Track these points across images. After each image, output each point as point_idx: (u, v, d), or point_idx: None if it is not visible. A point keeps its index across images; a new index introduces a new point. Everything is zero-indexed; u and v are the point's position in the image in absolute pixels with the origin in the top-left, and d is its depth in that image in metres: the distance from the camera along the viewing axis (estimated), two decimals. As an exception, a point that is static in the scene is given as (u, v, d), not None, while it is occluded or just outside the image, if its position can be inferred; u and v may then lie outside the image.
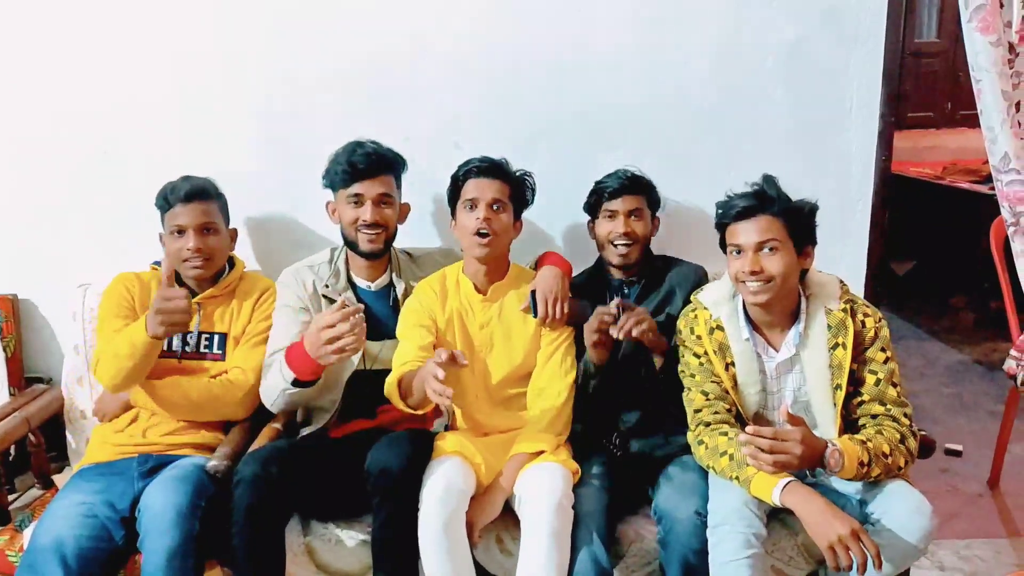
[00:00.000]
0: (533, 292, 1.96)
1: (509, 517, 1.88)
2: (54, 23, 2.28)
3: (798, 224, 1.76)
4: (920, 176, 4.78)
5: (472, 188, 1.96)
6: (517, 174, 2.02)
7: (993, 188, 2.41)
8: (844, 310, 1.78)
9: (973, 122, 2.32)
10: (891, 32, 2.30)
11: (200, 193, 2.03)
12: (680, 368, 1.92)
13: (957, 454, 3.01)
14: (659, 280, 2.09)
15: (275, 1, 2.28)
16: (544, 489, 1.80)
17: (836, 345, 1.77)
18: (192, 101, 2.33)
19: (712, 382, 1.85)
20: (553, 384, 1.97)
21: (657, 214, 2.15)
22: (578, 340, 2.00)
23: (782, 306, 1.80)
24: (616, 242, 2.04)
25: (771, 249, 1.73)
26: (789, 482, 1.63)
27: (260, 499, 1.75)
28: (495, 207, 1.94)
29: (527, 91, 2.34)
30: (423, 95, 2.33)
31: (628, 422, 2.02)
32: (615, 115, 2.35)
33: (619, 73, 2.32)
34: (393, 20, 2.29)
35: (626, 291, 2.09)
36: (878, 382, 1.76)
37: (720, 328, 1.84)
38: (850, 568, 1.53)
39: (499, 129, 2.33)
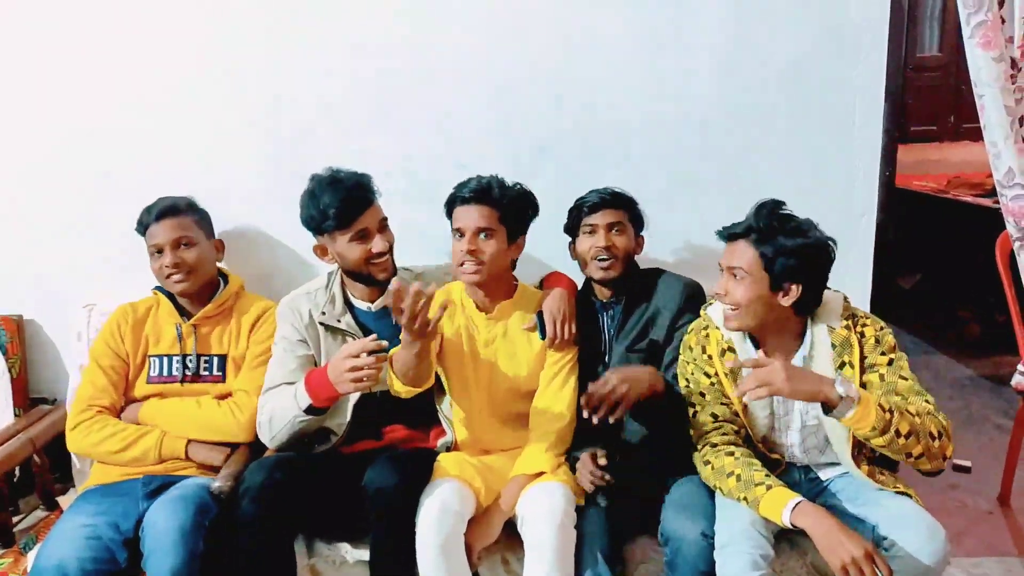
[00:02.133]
0: (539, 314, 1.96)
1: (515, 538, 1.87)
2: (58, 46, 2.30)
3: None
4: (924, 190, 4.78)
5: (459, 216, 1.93)
6: (513, 192, 1.96)
7: (997, 202, 2.41)
8: (847, 327, 1.77)
9: (976, 135, 2.33)
10: (893, 47, 2.31)
11: (171, 209, 2.05)
12: (685, 384, 1.90)
13: (966, 470, 2.99)
14: (644, 298, 2.04)
15: (278, 20, 2.30)
16: (546, 509, 1.80)
17: (843, 364, 1.76)
18: (195, 121, 2.34)
19: (722, 404, 1.83)
20: (555, 405, 1.96)
21: (642, 232, 2.10)
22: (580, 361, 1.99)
23: (784, 327, 1.79)
24: (597, 257, 2.00)
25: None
26: (799, 502, 1.61)
27: (266, 507, 1.74)
28: (482, 235, 1.91)
29: (530, 109, 2.34)
30: (426, 112, 2.34)
31: (632, 437, 1.99)
32: (618, 132, 2.36)
33: (622, 90, 2.33)
34: (396, 37, 2.30)
35: (610, 312, 2.05)
36: (882, 377, 1.73)
37: (732, 350, 1.83)
38: None
39: (502, 147, 2.34)
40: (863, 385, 1.74)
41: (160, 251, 2.03)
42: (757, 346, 1.83)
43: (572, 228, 2.09)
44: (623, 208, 2.04)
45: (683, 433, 1.88)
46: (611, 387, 1.74)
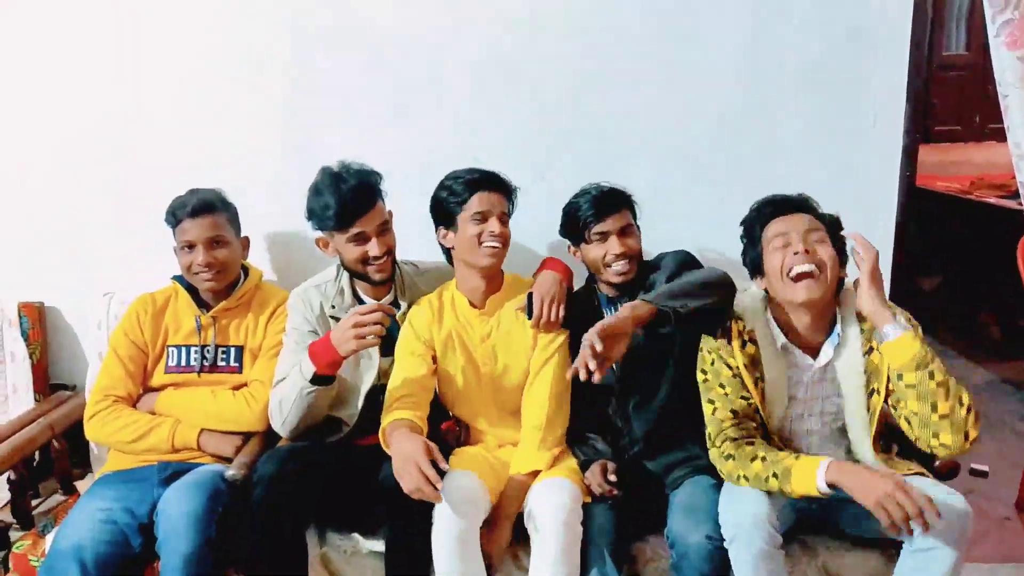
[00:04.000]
0: (530, 294, 1.96)
1: (526, 532, 1.87)
2: (83, 34, 2.33)
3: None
4: (947, 191, 4.72)
5: (482, 201, 1.93)
6: (511, 187, 2.00)
7: (1022, 204, 2.38)
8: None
9: (1002, 136, 2.30)
10: (916, 47, 2.28)
11: (207, 206, 2.04)
12: (704, 375, 1.85)
13: (983, 475, 2.95)
14: (643, 285, 2.00)
15: (297, 14, 2.31)
16: (552, 505, 1.80)
17: (871, 349, 1.75)
18: (215, 113, 2.37)
19: (742, 398, 1.80)
20: (543, 398, 1.95)
21: (638, 222, 2.06)
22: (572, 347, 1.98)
23: (821, 311, 1.78)
24: (613, 264, 1.96)
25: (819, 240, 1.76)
26: (830, 463, 1.61)
27: (279, 497, 1.76)
28: (502, 220, 1.94)
29: (548, 105, 2.34)
30: (443, 109, 2.35)
31: (636, 437, 1.99)
32: (636, 129, 2.35)
33: (641, 88, 2.32)
34: (414, 34, 2.31)
35: (617, 306, 1.99)
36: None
37: (753, 341, 1.81)
38: (906, 522, 1.51)
39: (519, 143, 2.34)
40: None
41: (191, 247, 2.03)
42: (785, 333, 1.81)
43: (574, 235, 2.04)
44: (627, 207, 2.02)
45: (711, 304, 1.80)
46: (588, 347, 1.65)
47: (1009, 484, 2.80)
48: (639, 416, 1.98)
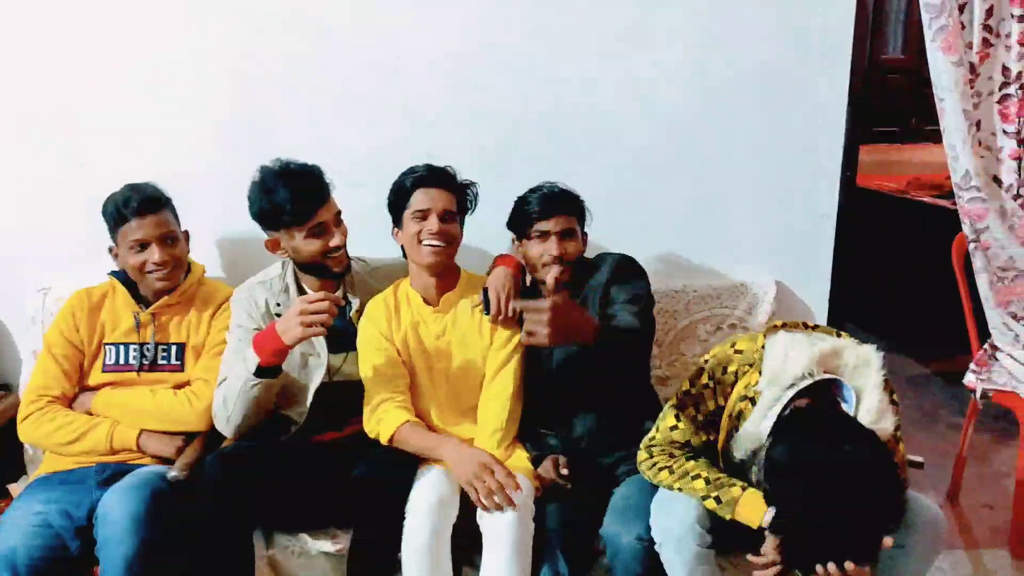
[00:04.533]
0: (485, 290, 1.96)
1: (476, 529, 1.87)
2: (11, 26, 2.23)
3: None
4: (885, 190, 4.86)
5: (422, 198, 1.92)
6: (462, 183, 1.98)
7: (955, 203, 2.46)
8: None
9: (937, 137, 2.37)
10: (858, 50, 2.34)
11: (154, 203, 1.97)
12: (686, 385, 1.80)
13: (919, 466, 3.04)
14: (579, 288, 2.00)
15: (247, 7, 2.25)
16: None
17: None
18: (157, 105, 2.29)
19: (703, 439, 1.76)
20: (502, 401, 1.96)
21: (585, 228, 2.05)
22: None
23: None
24: (549, 265, 1.94)
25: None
26: None
27: (224, 501, 1.73)
28: (445, 218, 1.92)
29: (501, 100, 2.34)
30: (392, 102, 2.32)
31: (581, 434, 1.99)
32: (589, 126, 2.36)
33: (594, 85, 2.33)
34: (366, 27, 2.28)
35: None
36: None
37: (752, 400, 1.68)
38: None
39: (472, 138, 2.33)
40: None
41: (143, 245, 1.96)
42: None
43: (519, 229, 2.03)
44: (573, 212, 2.00)
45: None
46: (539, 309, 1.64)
47: (942, 475, 2.90)
48: (582, 411, 2.00)
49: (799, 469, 1.45)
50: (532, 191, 2.03)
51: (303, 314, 1.74)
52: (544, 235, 1.96)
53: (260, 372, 1.81)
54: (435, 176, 1.93)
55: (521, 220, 2.01)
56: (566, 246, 1.96)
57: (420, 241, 1.91)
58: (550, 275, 1.92)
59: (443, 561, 1.75)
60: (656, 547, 1.68)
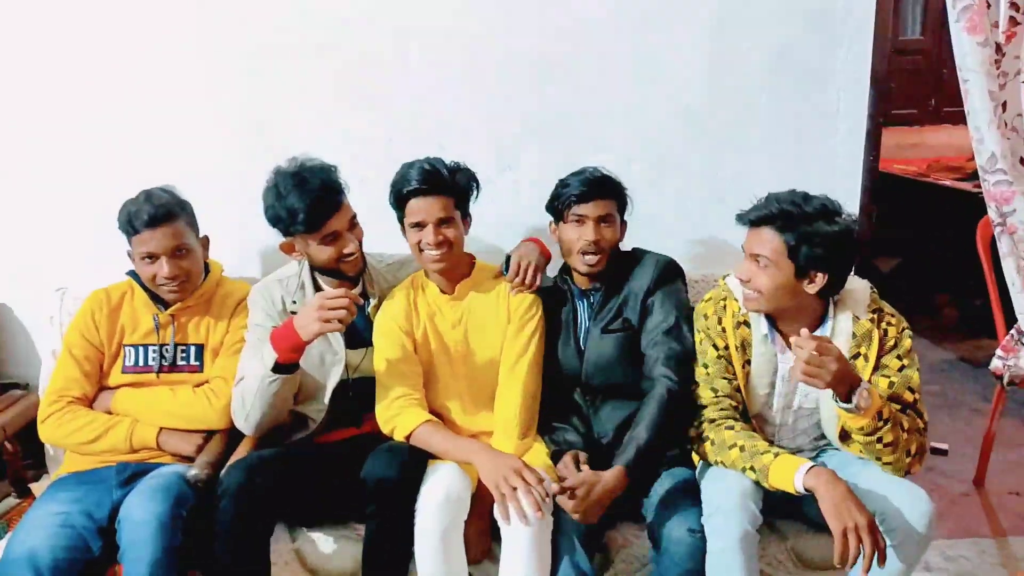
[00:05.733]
0: (508, 257, 1.95)
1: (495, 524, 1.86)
2: (27, 29, 2.23)
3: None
4: (904, 173, 4.80)
5: (417, 209, 1.88)
6: (459, 175, 1.92)
7: (977, 185, 2.42)
8: (872, 319, 1.74)
9: (957, 119, 2.34)
10: (879, 31, 2.29)
11: (166, 214, 1.92)
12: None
13: (943, 453, 3.01)
14: (620, 285, 1.98)
15: (257, 2, 2.24)
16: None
17: (857, 355, 1.74)
18: (169, 103, 2.29)
19: (723, 378, 1.81)
20: (517, 393, 1.94)
21: (625, 217, 2.02)
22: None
23: (805, 310, 1.75)
24: (584, 251, 1.92)
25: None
26: (812, 466, 1.60)
27: (245, 510, 1.72)
28: (442, 224, 1.89)
29: (513, 92, 2.31)
30: (407, 96, 2.30)
31: (603, 431, 1.97)
32: (602, 117, 2.34)
33: (606, 75, 2.31)
34: (377, 20, 2.26)
35: (589, 299, 2.01)
36: (892, 385, 1.72)
37: (746, 324, 1.81)
38: (856, 559, 1.51)
39: (485, 131, 2.31)
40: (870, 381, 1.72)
41: (153, 258, 1.93)
42: (773, 323, 1.80)
43: (557, 212, 2.00)
44: (613, 197, 1.96)
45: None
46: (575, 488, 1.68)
47: (967, 461, 2.87)
48: (608, 406, 1.98)
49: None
50: (574, 174, 1.97)
51: (321, 309, 1.72)
52: (581, 219, 1.93)
53: (277, 368, 1.80)
54: (428, 183, 1.87)
55: (559, 202, 1.97)
56: (603, 232, 1.92)
57: (421, 250, 1.90)
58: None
59: (455, 559, 1.74)
60: (704, 519, 1.67)
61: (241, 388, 1.87)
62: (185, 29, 2.25)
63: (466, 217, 1.98)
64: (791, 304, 1.73)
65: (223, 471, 1.79)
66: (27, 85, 2.27)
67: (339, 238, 1.90)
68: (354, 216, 1.96)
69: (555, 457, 1.93)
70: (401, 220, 1.95)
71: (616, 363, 1.95)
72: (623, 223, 2.01)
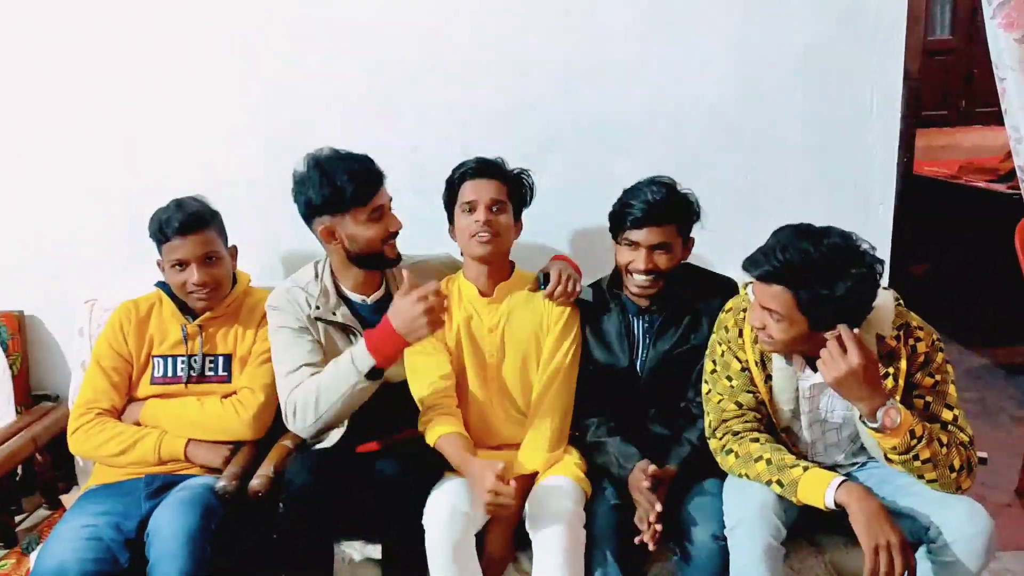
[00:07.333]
0: (542, 272, 1.97)
1: (525, 536, 1.83)
2: (57, 40, 2.26)
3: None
4: (935, 176, 4.71)
5: (470, 190, 1.91)
6: (514, 172, 1.97)
7: (1012, 187, 2.36)
8: (897, 337, 1.66)
9: (988, 119, 2.29)
10: (912, 31, 2.25)
11: (197, 222, 1.94)
12: (713, 366, 1.83)
13: (983, 462, 2.91)
14: (685, 301, 1.94)
15: (280, 10, 2.25)
16: (554, 508, 1.77)
17: (886, 375, 1.66)
18: (196, 113, 2.30)
19: (748, 392, 1.77)
20: (552, 407, 1.92)
21: (692, 233, 1.93)
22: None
23: (823, 340, 1.64)
24: (635, 276, 1.87)
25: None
26: (844, 480, 1.56)
27: (311, 508, 1.72)
28: (494, 208, 1.90)
29: (538, 98, 2.30)
30: (432, 103, 2.30)
31: (656, 439, 1.94)
32: (629, 122, 2.31)
33: (633, 79, 2.29)
34: (401, 27, 2.26)
35: (646, 317, 1.97)
36: (927, 406, 1.67)
37: None
38: None
39: (509, 137, 2.29)
40: (907, 405, 1.65)
41: (183, 265, 1.95)
42: None
43: (614, 231, 1.92)
44: (673, 221, 1.86)
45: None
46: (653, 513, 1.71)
47: (1008, 471, 2.79)
48: (662, 420, 1.96)
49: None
50: (640, 189, 1.87)
51: (428, 310, 1.69)
52: (634, 245, 1.87)
53: (372, 373, 1.78)
54: (483, 167, 1.93)
55: (616, 223, 1.91)
56: (656, 260, 1.85)
57: (470, 234, 1.89)
58: None
59: (469, 569, 1.72)
60: (727, 531, 1.65)
61: (315, 390, 1.81)
62: (213, 41, 2.27)
63: (518, 221, 1.98)
64: (808, 346, 1.65)
65: (288, 470, 1.77)
66: (57, 99, 2.29)
67: (385, 215, 1.90)
68: (391, 199, 1.95)
69: (604, 472, 1.90)
70: (451, 215, 1.95)
71: (678, 384, 1.94)
72: (690, 240, 1.94)
